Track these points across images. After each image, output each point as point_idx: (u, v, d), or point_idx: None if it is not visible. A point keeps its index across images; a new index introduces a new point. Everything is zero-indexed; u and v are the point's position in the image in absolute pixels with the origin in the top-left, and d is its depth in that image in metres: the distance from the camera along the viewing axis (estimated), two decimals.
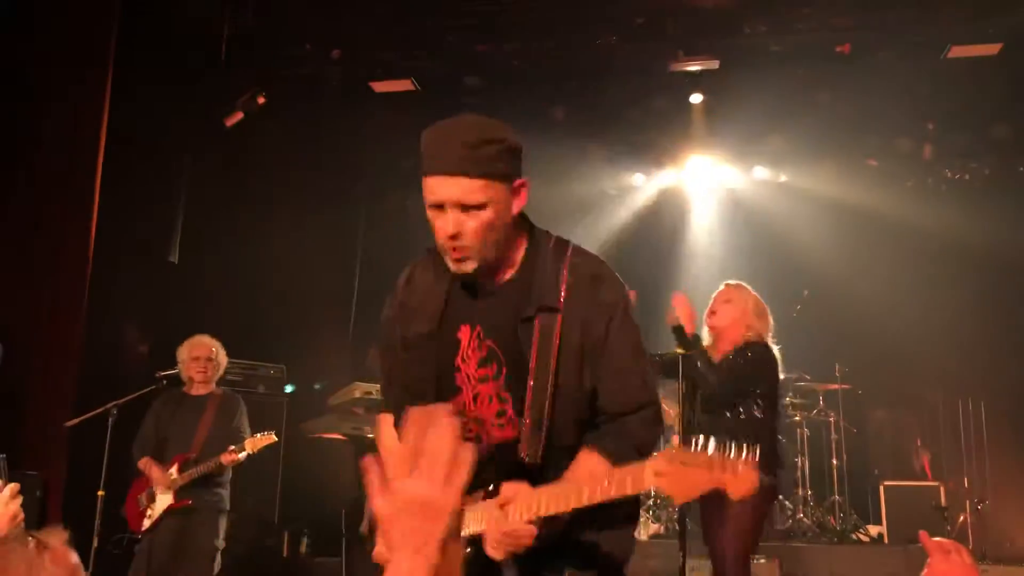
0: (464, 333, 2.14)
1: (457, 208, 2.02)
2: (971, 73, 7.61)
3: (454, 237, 2.02)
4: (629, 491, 1.83)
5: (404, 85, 7.77)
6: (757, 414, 4.31)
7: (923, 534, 1.87)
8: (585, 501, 1.87)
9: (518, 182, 2.08)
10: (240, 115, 7.61)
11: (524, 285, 2.13)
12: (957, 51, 7.19)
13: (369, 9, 7.46)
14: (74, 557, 1.97)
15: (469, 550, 2.05)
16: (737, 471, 1.70)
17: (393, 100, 8.17)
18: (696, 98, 8.37)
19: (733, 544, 4.17)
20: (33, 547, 1.90)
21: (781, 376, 4.56)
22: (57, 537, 1.99)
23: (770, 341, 4.53)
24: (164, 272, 7.42)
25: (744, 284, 4.69)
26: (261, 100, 7.60)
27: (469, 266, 2.07)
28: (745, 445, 1.73)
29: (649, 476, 1.79)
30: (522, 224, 2.17)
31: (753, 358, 4.39)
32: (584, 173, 9.50)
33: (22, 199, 6.26)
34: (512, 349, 2.09)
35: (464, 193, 2.00)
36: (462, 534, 2.03)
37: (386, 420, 2.32)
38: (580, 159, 9.25)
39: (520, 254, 2.16)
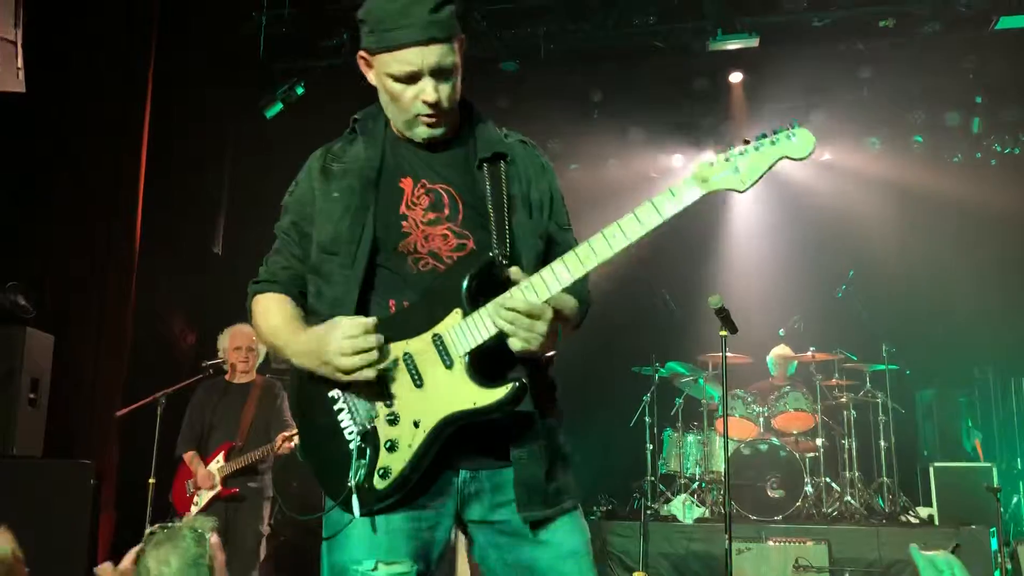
0: (407, 184, 2.09)
1: (431, 76, 2.00)
2: (1020, 44, 7.41)
3: (435, 104, 2.01)
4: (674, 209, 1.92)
5: None
6: None
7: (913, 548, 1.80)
8: (610, 251, 1.90)
9: (462, 39, 2.09)
10: (280, 106, 7.67)
11: (467, 140, 2.15)
12: (1006, 22, 7.00)
13: None
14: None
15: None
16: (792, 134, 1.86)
17: None
18: (736, 77, 8.27)
19: None
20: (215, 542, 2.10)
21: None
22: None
23: None
24: (208, 263, 7.54)
25: None
26: (300, 91, 7.65)
27: (440, 130, 2.07)
28: None
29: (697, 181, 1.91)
30: None
31: None
32: (624, 156, 9.43)
33: (70, 197, 6.38)
34: (467, 191, 2.09)
35: (440, 58, 1.99)
36: (457, 351, 1.95)
37: (275, 299, 2.15)
38: (619, 142, 9.19)
39: (458, 116, 2.15)
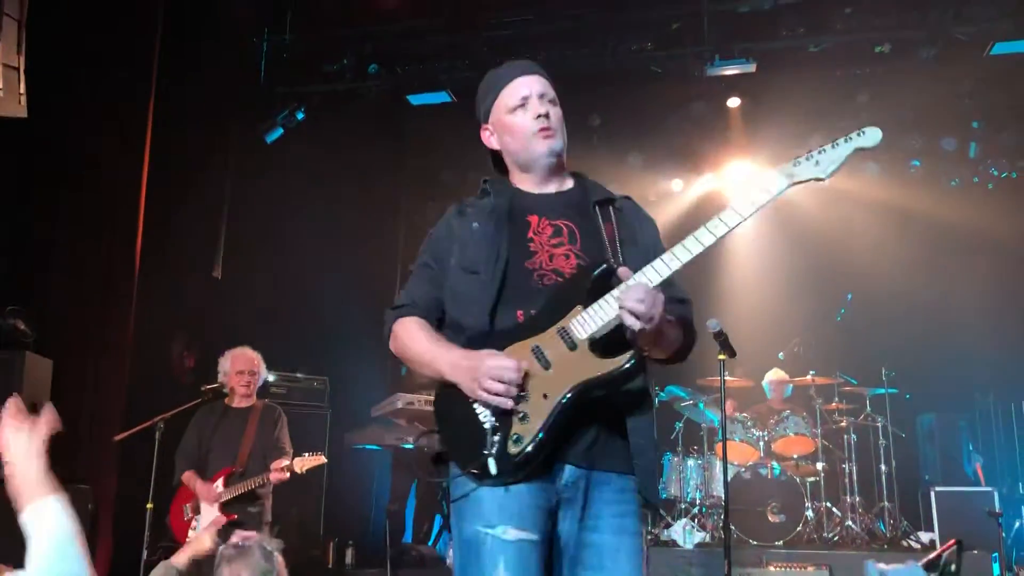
0: (533, 219, 2.40)
1: (539, 99, 2.43)
2: (1016, 70, 7.47)
3: (544, 116, 2.40)
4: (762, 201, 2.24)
5: (440, 97, 7.82)
6: None
7: None
8: (713, 238, 2.21)
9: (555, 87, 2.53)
10: (280, 131, 7.72)
11: (581, 189, 2.50)
12: (1001, 47, 7.06)
13: (404, 23, 7.54)
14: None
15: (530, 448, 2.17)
16: None
17: (430, 112, 8.24)
18: (734, 102, 8.32)
19: None
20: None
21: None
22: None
23: None
24: (208, 287, 7.54)
25: None
26: (301, 116, 7.70)
27: (557, 143, 2.43)
28: None
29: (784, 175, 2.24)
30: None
31: None
32: (622, 180, 9.45)
33: (69, 222, 6.39)
34: (584, 226, 2.39)
35: (544, 86, 2.46)
36: (581, 335, 2.21)
37: (418, 322, 2.40)
38: (618, 166, 9.23)
39: (568, 178, 2.54)
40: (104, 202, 6.44)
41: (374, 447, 7.09)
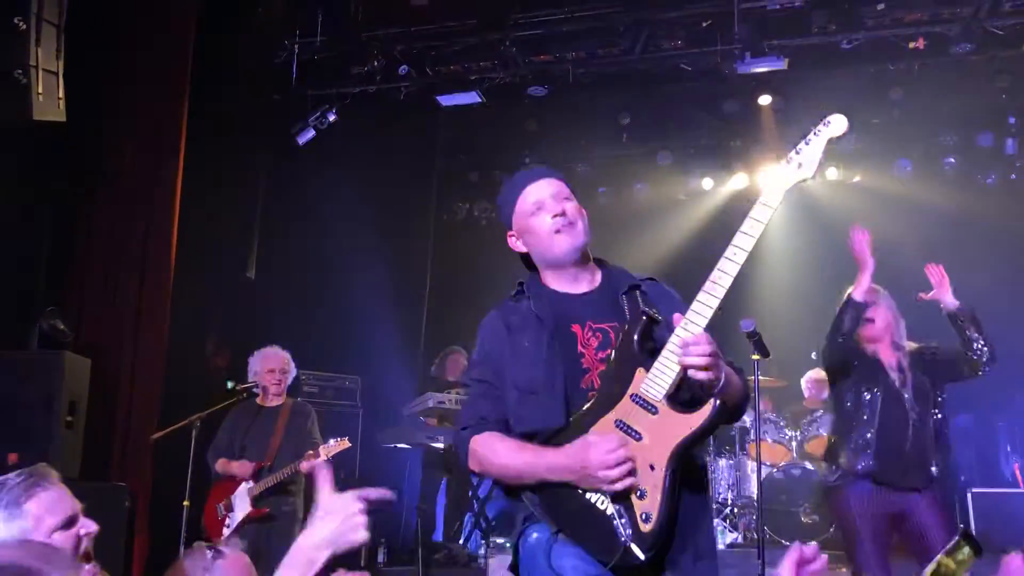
0: (576, 329, 2.44)
1: (553, 199, 2.51)
2: None
3: (562, 214, 2.48)
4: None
5: (470, 98, 7.84)
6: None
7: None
8: (736, 266, 2.28)
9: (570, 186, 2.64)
10: (312, 133, 7.78)
11: (608, 285, 2.55)
12: None
13: (434, 24, 7.57)
14: (245, 560, 2.22)
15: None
16: None
17: (460, 113, 8.26)
18: (765, 99, 8.26)
19: None
20: (210, 555, 2.12)
21: None
22: (232, 546, 2.25)
23: None
24: (242, 288, 7.63)
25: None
26: (332, 117, 7.76)
27: (579, 239, 2.49)
28: None
29: None
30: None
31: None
32: (653, 179, 9.44)
33: (106, 221, 6.50)
34: (622, 323, 2.43)
35: (559, 187, 2.55)
36: (658, 396, 2.24)
37: (494, 435, 2.42)
38: (648, 165, 9.21)
39: (595, 269, 2.59)
40: (140, 204, 6.54)
41: (405, 446, 7.13)
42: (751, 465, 7.06)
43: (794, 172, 2.37)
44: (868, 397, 4.34)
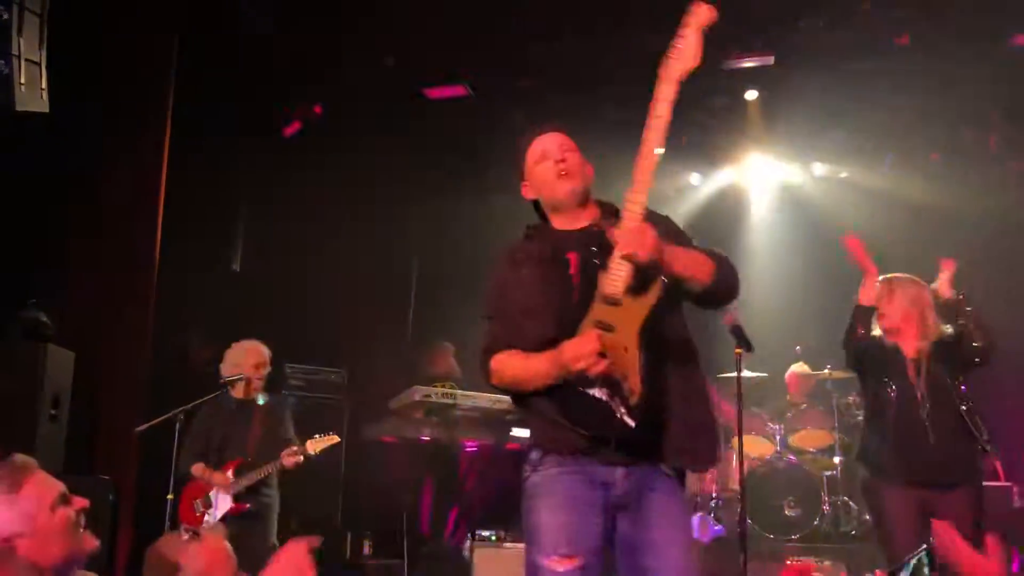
0: (571, 255, 2.75)
1: (557, 148, 2.87)
2: None
3: (562, 160, 2.84)
4: None
5: (457, 91, 7.82)
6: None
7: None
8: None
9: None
10: (298, 125, 7.75)
11: (603, 215, 2.86)
12: (1022, 40, 6.99)
13: (420, 15, 7.53)
14: (223, 544, 2.43)
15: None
16: None
17: (447, 105, 8.24)
18: (752, 94, 8.27)
19: None
20: (186, 537, 2.30)
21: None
22: (214, 531, 2.39)
23: None
24: (228, 280, 7.59)
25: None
26: (318, 109, 7.72)
27: (577, 182, 2.85)
28: None
29: None
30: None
31: None
32: None
33: (90, 214, 6.45)
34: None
35: (564, 139, 2.91)
36: (616, 291, 2.55)
37: (507, 354, 2.75)
38: (635, 160, 9.20)
39: (595, 209, 2.92)
40: (124, 195, 6.50)
41: (392, 439, 7.12)
42: (734, 458, 7.08)
43: (681, 66, 2.91)
44: (888, 392, 4.30)
